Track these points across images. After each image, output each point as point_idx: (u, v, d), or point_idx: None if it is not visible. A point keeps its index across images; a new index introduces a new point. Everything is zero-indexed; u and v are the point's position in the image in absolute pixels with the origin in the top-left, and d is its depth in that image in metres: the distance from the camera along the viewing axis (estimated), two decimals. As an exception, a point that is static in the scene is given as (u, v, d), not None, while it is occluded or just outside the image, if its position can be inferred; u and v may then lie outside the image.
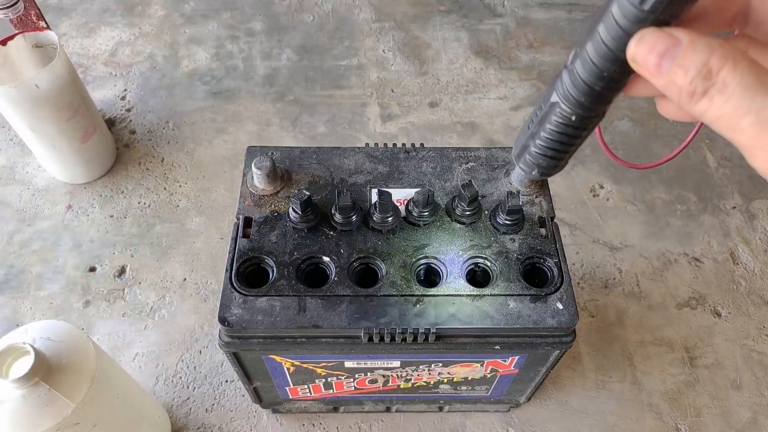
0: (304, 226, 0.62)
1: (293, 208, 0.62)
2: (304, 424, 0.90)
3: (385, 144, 0.71)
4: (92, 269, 1.04)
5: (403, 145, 0.71)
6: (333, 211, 0.63)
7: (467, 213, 0.63)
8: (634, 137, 1.26)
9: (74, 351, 0.60)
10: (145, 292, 1.02)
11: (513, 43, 1.44)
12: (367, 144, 0.71)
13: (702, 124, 0.71)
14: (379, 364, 0.69)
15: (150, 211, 1.12)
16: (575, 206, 1.14)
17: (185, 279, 1.03)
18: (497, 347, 0.61)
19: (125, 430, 0.72)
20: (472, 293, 0.59)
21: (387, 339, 0.57)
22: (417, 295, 0.59)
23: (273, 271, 0.60)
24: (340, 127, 1.26)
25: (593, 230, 1.11)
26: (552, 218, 0.65)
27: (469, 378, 0.75)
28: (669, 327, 1.00)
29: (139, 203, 1.13)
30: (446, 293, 0.59)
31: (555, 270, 0.61)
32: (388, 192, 0.61)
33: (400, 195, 0.66)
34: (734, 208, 1.15)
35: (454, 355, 0.66)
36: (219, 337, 0.61)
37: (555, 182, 1.17)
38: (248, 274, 0.61)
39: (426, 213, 0.62)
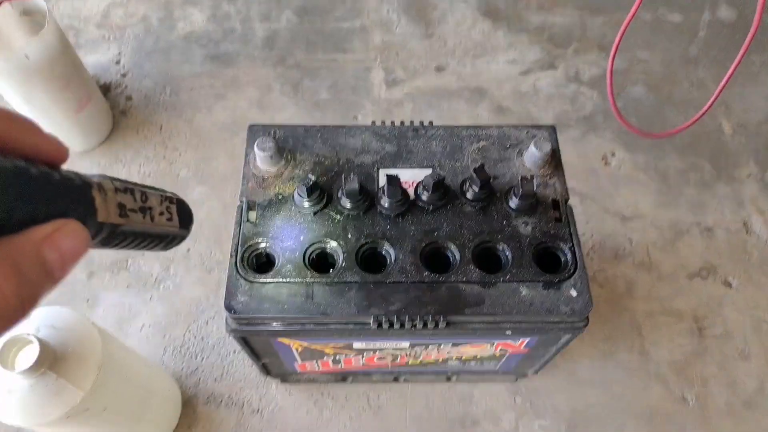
0: (310, 210, 0.60)
1: (298, 193, 0.60)
2: (312, 394, 0.91)
3: (392, 122, 0.67)
4: (95, 242, 1.03)
5: (411, 123, 0.67)
6: (339, 195, 0.61)
7: (478, 196, 0.60)
8: (647, 104, 1.22)
9: (79, 339, 0.59)
10: (149, 263, 1.01)
11: (523, 4, 1.37)
12: (373, 122, 0.68)
13: (722, 90, 0.66)
14: (388, 345, 0.69)
15: (150, 181, 1.09)
16: (586, 175, 1.11)
17: (189, 249, 1.02)
18: (508, 332, 0.60)
19: (135, 408, 0.72)
20: (483, 279, 0.57)
21: (396, 326, 0.56)
22: (427, 282, 0.57)
23: (279, 256, 0.59)
24: (343, 92, 1.22)
25: (604, 199, 1.09)
26: (566, 201, 0.62)
27: (478, 356, 0.75)
28: (679, 297, 0.99)
29: (138, 172, 1.11)
30: (457, 279, 0.57)
31: (569, 255, 0.59)
32: (396, 176, 0.58)
33: (409, 176, 0.63)
34: (749, 176, 1.12)
35: (464, 337, 0.65)
36: (226, 322, 0.60)
37: (566, 151, 1.13)
38: (253, 259, 0.60)
39: (436, 197, 0.60)
